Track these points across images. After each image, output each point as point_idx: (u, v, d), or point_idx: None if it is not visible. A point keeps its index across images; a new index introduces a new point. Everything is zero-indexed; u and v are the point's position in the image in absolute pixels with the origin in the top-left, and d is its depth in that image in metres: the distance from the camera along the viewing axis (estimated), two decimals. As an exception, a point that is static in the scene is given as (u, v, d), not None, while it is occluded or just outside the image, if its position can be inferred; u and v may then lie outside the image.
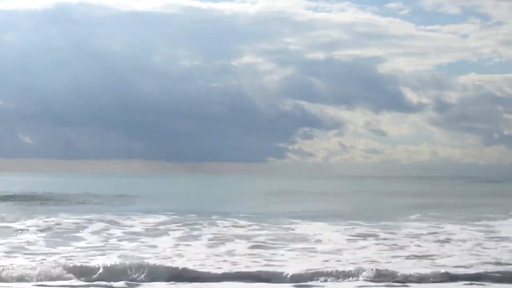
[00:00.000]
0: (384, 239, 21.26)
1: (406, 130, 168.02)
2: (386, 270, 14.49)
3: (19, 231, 22.81)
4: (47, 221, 26.22)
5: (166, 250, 18.22)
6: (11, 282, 13.42)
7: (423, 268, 15.26)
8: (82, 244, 19.64)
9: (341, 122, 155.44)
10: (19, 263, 14.71)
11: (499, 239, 21.39)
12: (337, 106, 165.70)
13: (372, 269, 14.37)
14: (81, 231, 23.13)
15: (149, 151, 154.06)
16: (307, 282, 13.81)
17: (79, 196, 50.66)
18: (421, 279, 14.08)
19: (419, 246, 19.68)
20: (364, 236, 21.91)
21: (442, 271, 14.66)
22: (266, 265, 15.73)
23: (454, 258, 17.11)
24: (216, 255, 17.33)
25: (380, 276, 14.13)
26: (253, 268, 14.94)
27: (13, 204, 40.89)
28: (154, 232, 23.17)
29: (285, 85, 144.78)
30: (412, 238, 21.46)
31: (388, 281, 13.96)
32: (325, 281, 13.96)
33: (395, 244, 19.93)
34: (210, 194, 65.17)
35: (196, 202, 46.20)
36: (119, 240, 20.59)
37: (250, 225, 25.46)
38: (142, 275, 13.84)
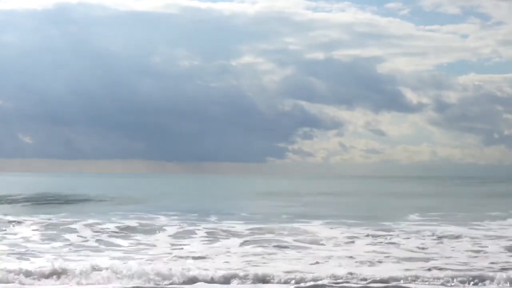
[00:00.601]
0: (381, 238, 21.28)
1: (406, 130, 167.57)
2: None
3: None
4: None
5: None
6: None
7: (422, 268, 15.26)
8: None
9: (341, 122, 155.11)
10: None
11: (499, 239, 21.39)
12: (337, 106, 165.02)
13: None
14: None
15: (149, 151, 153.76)
16: (307, 283, 13.80)
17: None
18: (421, 279, 14.07)
19: (418, 246, 19.67)
20: (362, 236, 21.91)
21: (442, 271, 14.65)
22: (265, 264, 15.73)
23: (454, 258, 17.12)
24: (216, 255, 17.36)
25: (375, 277, 14.13)
26: (252, 269, 14.94)
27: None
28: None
29: (285, 85, 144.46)
30: (412, 238, 21.45)
31: (388, 282, 13.96)
32: (325, 281, 13.97)
33: (393, 243, 19.96)
34: (210, 194, 65.16)
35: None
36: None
37: (250, 225, 25.42)
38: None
